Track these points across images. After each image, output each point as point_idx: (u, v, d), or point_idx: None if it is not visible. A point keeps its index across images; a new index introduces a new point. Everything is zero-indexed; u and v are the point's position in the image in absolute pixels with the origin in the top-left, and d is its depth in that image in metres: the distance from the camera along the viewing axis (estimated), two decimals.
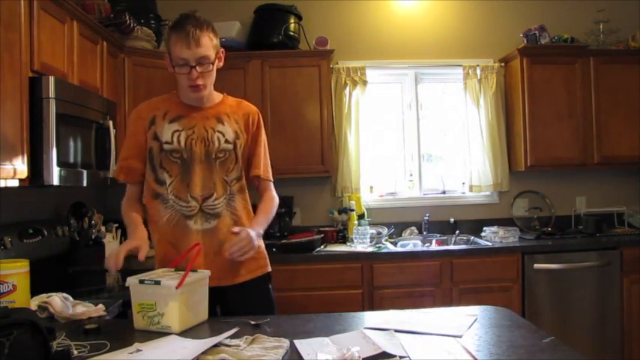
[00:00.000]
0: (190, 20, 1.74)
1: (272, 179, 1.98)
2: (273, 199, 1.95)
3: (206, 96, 1.85)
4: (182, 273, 1.63)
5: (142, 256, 1.63)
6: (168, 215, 1.81)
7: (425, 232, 3.75)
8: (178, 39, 1.72)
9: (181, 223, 1.80)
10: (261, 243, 1.94)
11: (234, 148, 1.84)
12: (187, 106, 1.85)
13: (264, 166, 1.94)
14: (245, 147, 1.89)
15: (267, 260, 1.96)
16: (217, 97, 1.92)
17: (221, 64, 1.85)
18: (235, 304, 1.81)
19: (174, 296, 1.49)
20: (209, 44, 1.75)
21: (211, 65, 1.77)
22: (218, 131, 1.83)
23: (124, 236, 3.24)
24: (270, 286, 1.95)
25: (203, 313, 1.63)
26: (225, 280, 1.81)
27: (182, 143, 1.80)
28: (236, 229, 1.74)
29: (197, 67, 1.73)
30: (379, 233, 3.53)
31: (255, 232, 1.77)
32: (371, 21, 3.93)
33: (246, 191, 1.91)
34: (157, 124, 1.83)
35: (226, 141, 1.83)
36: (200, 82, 1.76)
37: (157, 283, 1.51)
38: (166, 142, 1.80)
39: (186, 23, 1.73)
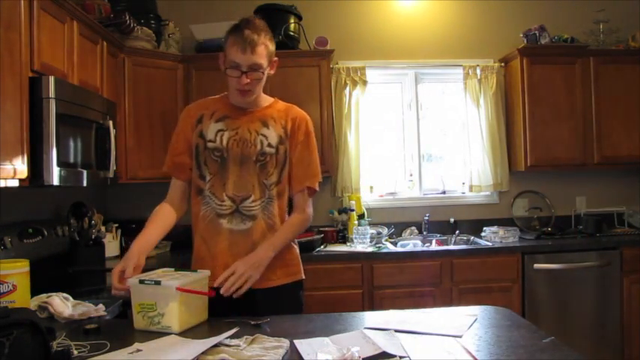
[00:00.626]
0: (249, 25, 1.74)
1: (317, 189, 1.92)
2: (307, 216, 1.89)
3: (253, 100, 1.85)
4: (183, 272, 1.64)
5: (128, 274, 1.59)
6: (204, 211, 1.82)
7: (425, 232, 3.75)
8: (235, 42, 1.73)
9: (214, 221, 1.80)
10: (295, 249, 1.92)
11: (276, 153, 1.82)
12: (235, 108, 1.86)
13: (314, 177, 1.89)
14: (289, 152, 1.85)
15: (301, 267, 1.92)
16: (266, 100, 1.91)
17: (272, 71, 1.84)
18: (264, 309, 1.76)
19: (174, 296, 1.49)
20: (263, 52, 1.75)
21: (262, 73, 1.77)
22: (262, 134, 1.82)
23: (124, 236, 3.25)
24: (300, 293, 1.91)
25: (203, 313, 1.63)
26: (255, 283, 1.77)
27: (224, 143, 1.81)
28: (231, 268, 1.69)
29: (248, 74, 1.73)
30: (379, 233, 3.53)
31: (258, 258, 1.73)
32: (371, 21, 3.93)
33: (285, 197, 1.87)
34: (204, 122, 1.85)
35: (269, 145, 1.82)
36: (248, 87, 1.76)
37: (157, 283, 1.51)
38: (210, 141, 1.82)
39: (245, 28, 1.73)
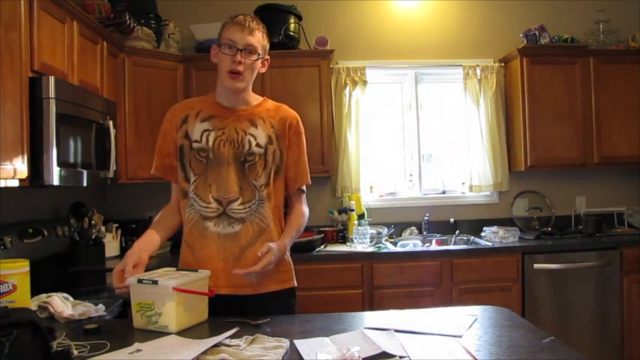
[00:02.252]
0: (248, 15, 1.78)
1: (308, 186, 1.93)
2: (304, 214, 1.88)
3: (242, 95, 1.81)
4: (184, 272, 1.63)
5: (128, 272, 1.58)
6: (189, 214, 1.78)
7: (425, 232, 3.75)
8: (233, 24, 1.75)
9: (200, 224, 1.76)
10: (288, 256, 1.87)
11: (264, 153, 1.77)
12: (221, 107, 1.82)
13: (306, 176, 1.89)
14: (280, 153, 1.81)
15: (293, 274, 1.86)
16: (255, 99, 1.87)
17: (263, 70, 1.84)
18: (253, 315, 1.69)
19: (171, 296, 1.48)
20: (260, 39, 1.77)
21: (256, 57, 1.76)
22: (250, 134, 1.77)
23: (124, 236, 3.25)
24: (293, 302, 1.85)
25: (202, 313, 1.62)
26: (244, 288, 1.74)
27: (210, 143, 1.76)
28: (264, 248, 1.67)
29: (243, 53, 1.72)
30: (379, 233, 3.53)
31: (280, 246, 1.73)
32: (371, 21, 3.93)
33: (279, 198, 1.83)
34: (189, 122, 1.80)
35: (257, 145, 1.76)
36: (241, 68, 1.73)
37: (155, 282, 1.51)
38: (195, 141, 1.78)
39: (245, 16, 1.77)
